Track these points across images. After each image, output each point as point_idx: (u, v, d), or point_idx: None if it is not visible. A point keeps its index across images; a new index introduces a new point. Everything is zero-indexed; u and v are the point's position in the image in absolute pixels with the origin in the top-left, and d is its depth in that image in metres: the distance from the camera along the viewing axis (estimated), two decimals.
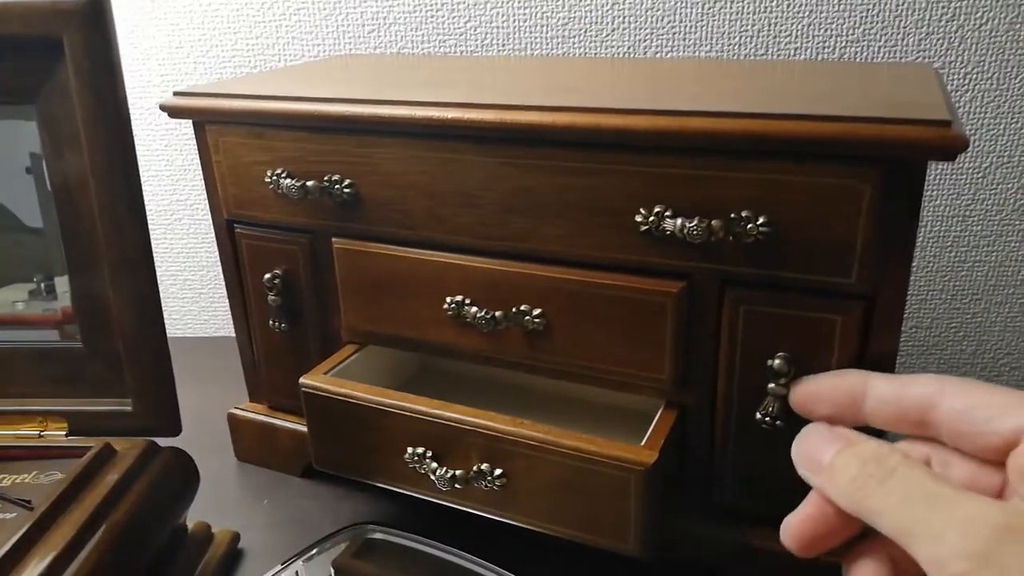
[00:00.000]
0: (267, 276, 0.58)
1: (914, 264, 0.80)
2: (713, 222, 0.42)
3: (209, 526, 0.56)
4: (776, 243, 0.42)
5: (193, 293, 0.93)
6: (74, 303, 0.52)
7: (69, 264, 0.51)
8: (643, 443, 0.46)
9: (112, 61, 0.46)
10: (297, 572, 0.54)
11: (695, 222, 0.42)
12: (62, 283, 0.52)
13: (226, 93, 0.55)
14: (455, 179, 0.49)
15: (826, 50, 0.74)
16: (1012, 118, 0.73)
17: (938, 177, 0.77)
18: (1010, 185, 0.76)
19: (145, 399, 0.51)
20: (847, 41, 0.73)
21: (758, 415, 0.45)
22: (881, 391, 0.33)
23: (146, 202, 0.87)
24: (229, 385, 0.68)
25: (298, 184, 0.53)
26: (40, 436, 0.51)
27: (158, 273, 0.50)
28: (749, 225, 0.42)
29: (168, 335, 0.52)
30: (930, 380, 0.31)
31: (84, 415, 0.52)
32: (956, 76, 0.73)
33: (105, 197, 0.48)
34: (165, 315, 0.51)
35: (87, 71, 0.46)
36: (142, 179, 0.49)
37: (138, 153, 0.83)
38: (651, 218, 0.44)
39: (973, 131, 0.75)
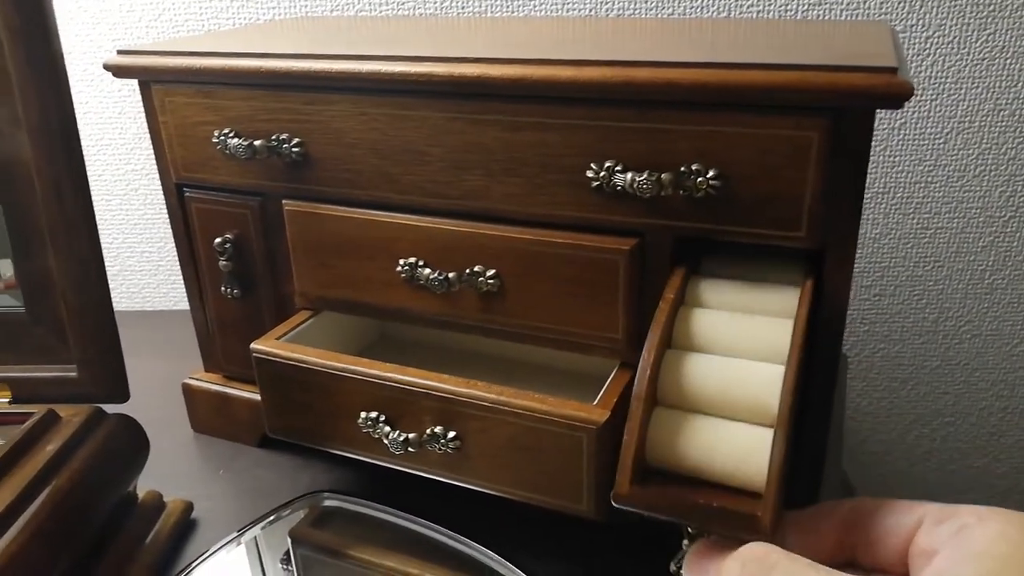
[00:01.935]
0: (217, 240, 0.57)
1: (876, 231, 0.80)
2: (663, 175, 0.42)
3: (160, 495, 0.55)
4: (726, 197, 0.42)
5: (151, 265, 0.91)
6: (16, 268, 0.50)
7: (9, 228, 0.49)
8: (596, 402, 0.45)
9: (44, 12, 0.44)
10: (256, 539, 0.53)
11: (645, 176, 0.42)
12: (5, 265, 0.50)
13: (172, 51, 0.54)
14: (404, 135, 0.48)
15: (788, 13, 0.73)
16: (972, 83, 0.73)
17: (900, 143, 0.77)
18: (970, 151, 0.76)
19: (90, 365, 0.50)
20: (809, 4, 0.73)
21: None
22: (799, 522, 0.34)
23: (100, 172, 0.85)
24: (187, 357, 0.67)
25: (245, 144, 0.52)
26: None
27: (115, 246, 0.49)
28: (699, 179, 0.42)
29: (127, 308, 0.51)
30: (843, 503, 0.33)
31: (28, 382, 0.51)
32: (917, 40, 0.73)
33: (42, 157, 0.46)
34: (124, 289, 0.50)
35: (17, 24, 0.44)
36: (96, 148, 0.48)
37: (91, 121, 0.81)
38: (602, 173, 0.44)
39: (934, 96, 0.75)
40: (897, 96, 0.36)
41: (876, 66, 0.37)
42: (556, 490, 0.47)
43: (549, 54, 0.45)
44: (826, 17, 0.73)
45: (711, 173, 0.41)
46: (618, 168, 0.43)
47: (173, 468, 0.61)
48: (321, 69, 0.48)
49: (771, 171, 0.41)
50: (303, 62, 0.48)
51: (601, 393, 0.47)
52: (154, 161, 0.58)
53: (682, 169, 0.42)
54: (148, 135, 0.57)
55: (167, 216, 0.60)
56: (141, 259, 0.90)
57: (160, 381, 0.70)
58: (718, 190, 0.42)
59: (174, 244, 0.61)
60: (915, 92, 0.63)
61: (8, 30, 0.44)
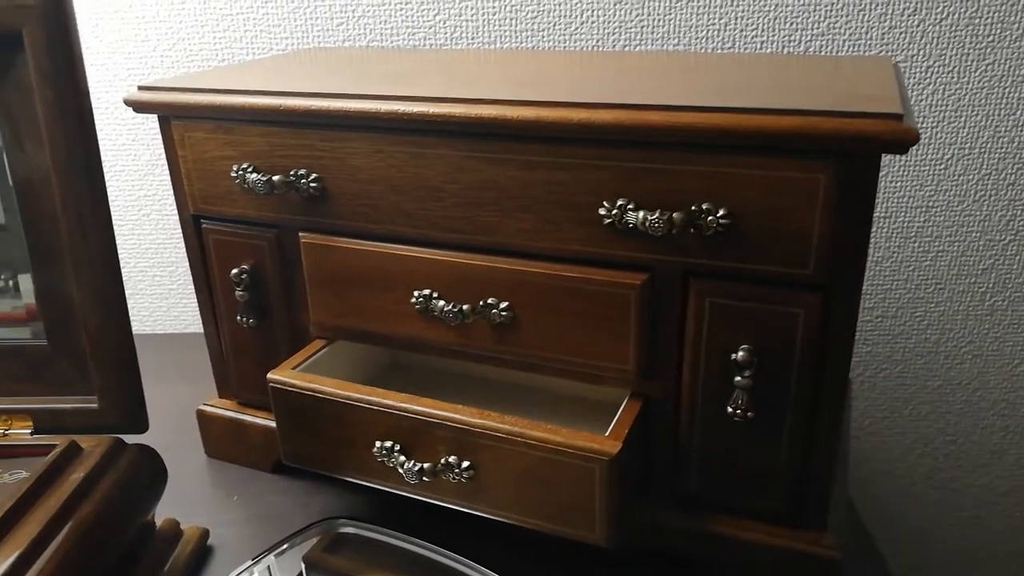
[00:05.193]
0: (234, 271, 0.58)
1: (879, 254, 0.82)
2: (674, 215, 0.43)
3: (178, 523, 0.56)
4: (736, 235, 0.43)
5: (163, 289, 0.92)
6: (38, 300, 0.51)
7: (32, 261, 0.50)
8: (607, 433, 0.46)
9: (73, 57, 0.45)
10: (269, 567, 0.54)
11: (656, 215, 0.43)
12: (25, 280, 0.51)
13: (191, 87, 0.55)
14: (421, 173, 0.49)
15: (792, 43, 0.75)
16: (972, 111, 0.75)
17: (902, 169, 0.78)
18: (971, 176, 0.77)
19: (111, 397, 0.51)
20: (812, 35, 0.74)
21: (729, 408, 0.46)
22: None
23: (114, 198, 0.86)
24: (199, 381, 0.68)
25: (264, 179, 0.53)
26: (4, 435, 0.51)
27: (127, 270, 0.50)
28: (709, 217, 0.43)
29: (138, 332, 0.52)
30: None
31: (50, 413, 0.52)
32: (918, 70, 0.74)
33: (67, 193, 0.47)
34: (134, 312, 0.51)
35: (48, 67, 0.45)
36: (109, 174, 0.49)
37: (105, 148, 0.82)
38: (614, 211, 0.45)
39: (935, 123, 0.76)
40: (903, 143, 0.37)
41: (882, 112, 0.38)
42: (568, 519, 0.47)
43: (562, 95, 0.46)
44: (830, 47, 0.74)
45: (721, 212, 0.43)
46: (630, 207, 0.44)
47: (187, 494, 0.62)
48: (339, 108, 0.49)
49: (779, 211, 0.42)
50: (321, 101, 0.50)
51: (612, 424, 0.48)
52: (166, 187, 0.59)
53: (692, 208, 0.43)
54: (160, 162, 0.58)
55: (178, 241, 0.61)
56: (153, 283, 0.91)
57: (172, 405, 0.71)
58: (728, 228, 0.43)
59: (188, 270, 0.62)
60: (918, 124, 0.65)
61: (39, 73, 0.45)
